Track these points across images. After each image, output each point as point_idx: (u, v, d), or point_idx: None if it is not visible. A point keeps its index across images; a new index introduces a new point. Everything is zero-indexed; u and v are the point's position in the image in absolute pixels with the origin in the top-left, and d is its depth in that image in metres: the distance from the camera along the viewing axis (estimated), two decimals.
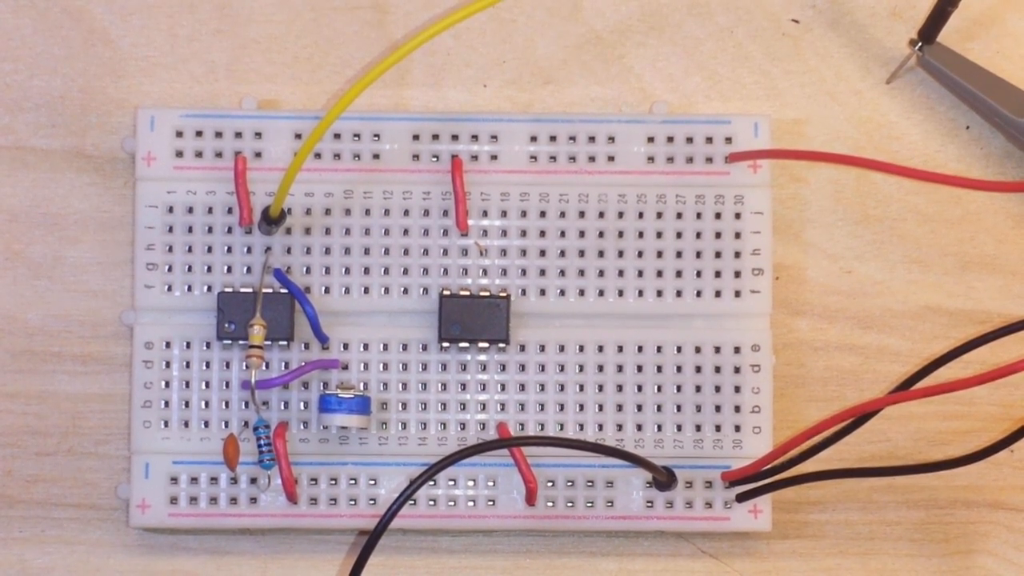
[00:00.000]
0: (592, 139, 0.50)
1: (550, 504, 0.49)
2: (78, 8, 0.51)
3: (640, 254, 0.50)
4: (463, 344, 0.49)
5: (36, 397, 0.50)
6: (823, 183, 0.51)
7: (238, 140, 0.49)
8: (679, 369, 0.50)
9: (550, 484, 0.49)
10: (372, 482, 0.49)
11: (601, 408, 0.49)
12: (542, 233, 0.50)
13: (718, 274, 0.50)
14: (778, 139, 0.51)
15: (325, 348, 0.49)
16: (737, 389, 0.49)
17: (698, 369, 0.50)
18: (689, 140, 0.50)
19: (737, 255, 0.50)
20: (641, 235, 0.50)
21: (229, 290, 0.49)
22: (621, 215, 0.50)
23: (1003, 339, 0.49)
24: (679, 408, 0.49)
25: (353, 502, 0.49)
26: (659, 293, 0.50)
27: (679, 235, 0.50)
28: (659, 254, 0.50)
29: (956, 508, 0.51)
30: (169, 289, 0.49)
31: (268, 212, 0.48)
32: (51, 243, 0.50)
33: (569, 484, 0.49)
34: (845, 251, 0.51)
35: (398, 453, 0.49)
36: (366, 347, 0.49)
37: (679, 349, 0.50)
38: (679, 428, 0.49)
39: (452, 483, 0.49)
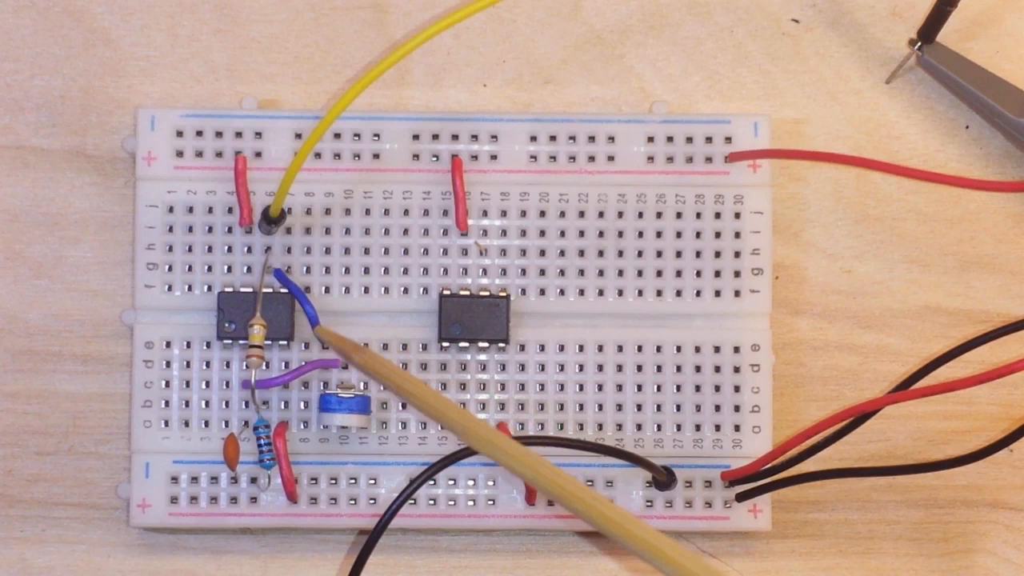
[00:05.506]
0: (592, 139, 0.50)
1: (550, 503, 0.49)
2: (78, 8, 0.51)
3: (640, 254, 0.50)
4: (463, 344, 0.49)
5: (36, 397, 0.50)
6: (823, 183, 0.51)
7: (238, 140, 0.50)
8: (679, 369, 0.50)
9: None
10: (372, 481, 0.49)
11: (601, 408, 0.49)
12: (542, 233, 0.50)
13: (718, 274, 0.50)
14: (778, 139, 0.51)
15: (325, 348, 0.49)
16: (737, 389, 0.49)
17: (698, 369, 0.50)
18: (689, 140, 0.50)
19: (737, 255, 0.50)
20: (641, 235, 0.50)
21: (229, 290, 0.49)
22: (621, 215, 0.50)
23: (1003, 339, 0.49)
24: (679, 408, 0.50)
25: (353, 501, 0.49)
26: (659, 293, 0.50)
27: (679, 235, 0.50)
28: (659, 254, 0.50)
29: (955, 508, 0.51)
30: (169, 289, 0.49)
31: (268, 212, 0.49)
32: (51, 243, 0.50)
33: None
34: (845, 251, 0.51)
35: (398, 452, 0.49)
36: (366, 347, 0.49)
37: (679, 349, 0.50)
38: (679, 428, 0.50)
39: (452, 482, 0.49)
